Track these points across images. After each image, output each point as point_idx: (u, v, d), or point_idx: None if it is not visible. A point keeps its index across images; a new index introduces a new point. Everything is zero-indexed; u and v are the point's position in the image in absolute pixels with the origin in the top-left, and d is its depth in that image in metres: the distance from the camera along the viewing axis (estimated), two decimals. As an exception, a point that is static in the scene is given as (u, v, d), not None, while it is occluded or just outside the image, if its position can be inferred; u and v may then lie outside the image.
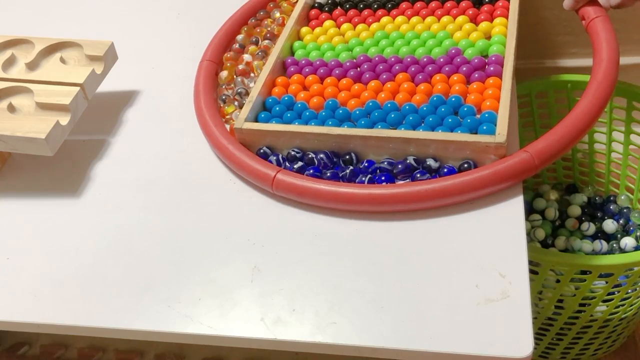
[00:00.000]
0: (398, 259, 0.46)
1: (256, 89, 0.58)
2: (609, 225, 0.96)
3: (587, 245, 0.93)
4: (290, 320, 0.44)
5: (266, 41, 0.66)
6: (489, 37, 0.61)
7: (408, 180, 0.51)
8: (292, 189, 0.51)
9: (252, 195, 0.53)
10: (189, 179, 0.56)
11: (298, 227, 0.50)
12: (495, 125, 0.51)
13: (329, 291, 0.45)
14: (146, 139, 0.61)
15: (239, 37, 0.67)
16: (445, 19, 0.63)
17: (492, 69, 0.56)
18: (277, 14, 0.70)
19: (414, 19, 0.65)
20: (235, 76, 0.63)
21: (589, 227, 0.97)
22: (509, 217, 0.48)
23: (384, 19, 0.65)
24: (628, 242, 0.93)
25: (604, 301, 0.81)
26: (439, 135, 0.50)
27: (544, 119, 0.98)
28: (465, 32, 0.61)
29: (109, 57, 0.63)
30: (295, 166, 0.53)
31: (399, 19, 0.65)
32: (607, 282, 0.77)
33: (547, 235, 0.96)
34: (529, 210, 1.01)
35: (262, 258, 0.48)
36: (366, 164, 0.52)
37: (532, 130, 1.00)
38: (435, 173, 0.50)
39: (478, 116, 0.53)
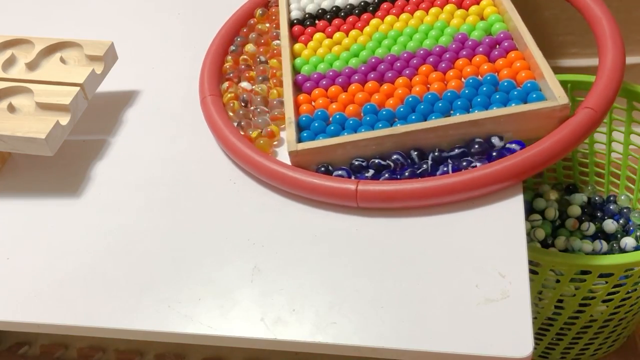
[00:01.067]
0: (398, 259, 0.46)
1: (289, 110, 0.55)
2: (609, 225, 0.96)
3: (587, 245, 0.93)
4: (290, 320, 0.44)
5: (261, 65, 0.64)
6: (482, 19, 0.62)
7: (485, 162, 0.50)
8: (379, 197, 0.49)
9: (252, 195, 0.53)
10: (189, 179, 0.56)
11: (298, 227, 0.50)
12: (541, 91, 0.52)
13: (329, 291, 0.45)
14: (146, 139, 0.61)
15: (226, 65, 0.65)
16: (433, 10, 0.64)
17: (506, 44, 0.57)
18: (255, 35, 0.67)
19: (404, 16, 0.64)
20: (243, 104, 0.60)
21: (589, 227, 0.97)
22: (509, 217, 0.48)
23: (374, 21, 0.65)
24: (628, 242, 0.93)
25: (604, 301, 0.81)
26: (506, 111, 0.51)
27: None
28: (461, 18, 0.62)
29: (109, 57, 0.63)
30: (368, 174, 0.51)
31: (389, 18, 0.64)
32: (607, 282, 0.77)
33: (547, 235, 0.96)
34: (529, 210, 1.01)
35: (262, 258, 0.48)
36: (436, 154, 0.51)
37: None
38: (501, 150, 0.51)
39: (520, 87, 0.54)
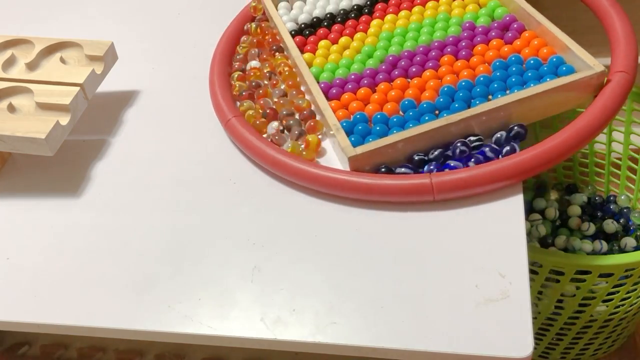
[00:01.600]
0: (398, 259, 0.46)
1: (331, 117, 0.55)
2: (609, 225, 0.96)
3: (587, 245, 0.93)
4: (290, 320, 0.44)
5: (273, 79, 0.62)
6: (481, 6, 0.64)
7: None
8: (456, 186, 0.48)
9: (252, 195, 0.53)
10: (189, 179, 0.56)
11: (298, 227, 0.50)
12: (569, 64, 0.54)
13: (329, 291, 0.45)
14: (146, 139, 0.61)
15: (238, 83, 0.62)
16: (431, 3, 0.65)
17: (515, 25, 0.59)
18: (256, 51, 0.66)
19: (403, 13, 0.65)
20: (272, 120, 0.59)
21: (589, 227, 0.97)
22: (509, 216, 0.48)
23: (375, 22, 0.65)
24: (628, 242, 0.93)
25: (604, 301, 0.81)
26: (552, 84, 0.52)
27: (545, 119, 0.98)
28: (460, 8, 0.63)
29: (109, 57, 0.63)
30: (432, 167, 0.51)
31: (389, 17, 0.64)
32: (607, 282, 0.77)
33: (547, 235, 0.96)
34: (529, 210, 1.01)
35: (262, 258, 0.48)
36: (498, 135, 0.52)
37: (532, 130, 1.00)
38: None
39: (546, 63, 0.55)
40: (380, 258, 0.46)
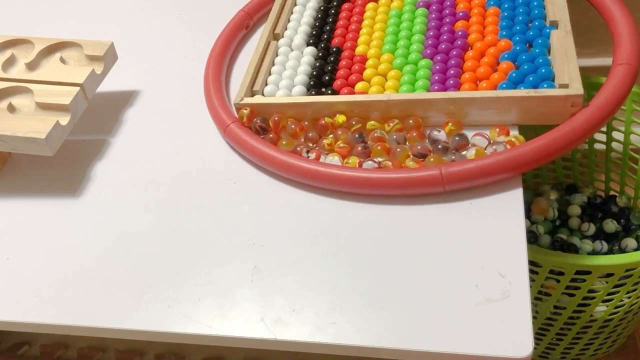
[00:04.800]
0: (398, 259, 0.46)
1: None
2: (609, 225, 0.96)
3: (587, 245, 0.93)
4: (290, 320, 0.44)
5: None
6: None
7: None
8: (466, 176, 0.48)
9: (252, 195, 0.53)
10: (189, 179, 0.56)
11: (298, 227, 0.50)
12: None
13: (329, 291, 0.45)
14: (146, 139, 0.61)
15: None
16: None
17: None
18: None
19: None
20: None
21: (589, 228, 0.97)
22: (509, 217, 0.48)
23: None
24: (629, 242, 0.93)
25: (604, 301, 0.81)
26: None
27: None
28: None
29: (109, 57, 0.63)
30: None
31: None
32: (607, 282, 0.77)
33: (547, 235, 0.96)
34: (529, 210, 1.01)
35: (262, 258, 0.48)
36: None
37: (532, 130, 1.00)
38: None
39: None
40: (380, 258, 0.46)
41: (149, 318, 0.45)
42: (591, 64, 1.04)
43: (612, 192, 1.03)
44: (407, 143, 0.54)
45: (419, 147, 0.53)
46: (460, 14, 0.62)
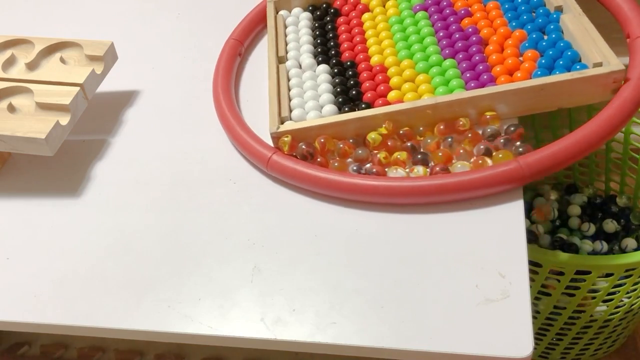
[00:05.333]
0: (398, 259, 0.46)
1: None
2: (609, 225, 0.96)
3: (587, 245, 0.93)
4: (290, 320, 0.44)
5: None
6: None
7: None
8: (542, 164, 0.48)
9: (252, 195, 0.53)
10: (189, 179, 0.56)
11: (298, 227, 0.50)
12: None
13: (329, 291, 0.45)
14: (146, 139, 0.61)
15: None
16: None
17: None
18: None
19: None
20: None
21: (589, 227, 0.97)
22: (509, 217, 0.48)
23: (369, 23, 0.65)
24: (629, 242, 0.93)
25: (604, 301, 0.81)
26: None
27: (544, 120, 0.98)
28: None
29: (109, 57, 0.63)
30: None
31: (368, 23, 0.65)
32: (607, 282, 0.77)
33: (547, 235, 0.96)
34: (529, 210, 1.01)
35: (262, 258, 0.48)
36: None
37: (532, 130, 1.00)
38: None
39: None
40: (380, 258, 0.46)
41: (149, 318, 0.45)
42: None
43: (612, 192, 1.03)
44: (461, 144, 0.53)
45: (481, 147, 0.51)
46: (462, 11, 0.62)
